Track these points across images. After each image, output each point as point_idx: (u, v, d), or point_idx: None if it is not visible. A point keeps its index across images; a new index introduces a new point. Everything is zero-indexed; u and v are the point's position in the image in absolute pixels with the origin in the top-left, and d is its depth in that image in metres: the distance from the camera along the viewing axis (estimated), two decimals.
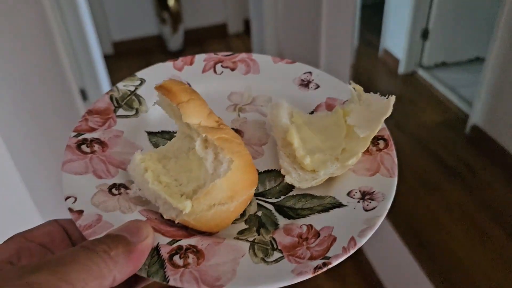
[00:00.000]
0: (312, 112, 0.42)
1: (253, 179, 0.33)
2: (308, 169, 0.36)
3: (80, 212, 0.32)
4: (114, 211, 0.33)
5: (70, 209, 0.33)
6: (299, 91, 0.45)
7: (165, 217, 0.33)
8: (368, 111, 0.37)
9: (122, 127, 0.41)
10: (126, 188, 0.35)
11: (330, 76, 0.45)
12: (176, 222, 0.32)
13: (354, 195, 0.35)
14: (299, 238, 0.32)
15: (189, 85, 0.45)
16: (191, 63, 0.47)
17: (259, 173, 0.38)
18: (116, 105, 0.42)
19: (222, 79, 0.46)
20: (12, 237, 0.31)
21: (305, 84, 0.45)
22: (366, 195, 0.35)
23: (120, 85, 0.44)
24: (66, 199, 0.33)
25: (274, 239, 0.32)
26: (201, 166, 0.33)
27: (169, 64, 0.46)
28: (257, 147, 0.40)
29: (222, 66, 0.47)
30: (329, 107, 0.42)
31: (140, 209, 0.34)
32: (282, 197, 0.36)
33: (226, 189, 0.30)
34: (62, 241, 0.32)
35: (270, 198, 0.36)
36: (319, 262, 0.30)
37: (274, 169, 0.38)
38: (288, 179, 0.36)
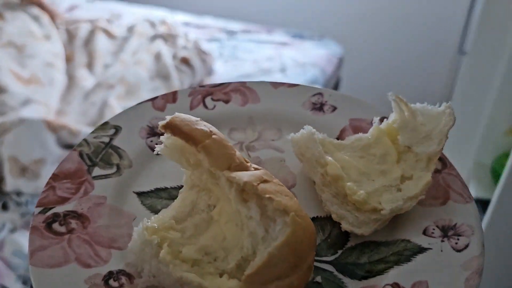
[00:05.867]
0: (337, 139, 0.35)
1: (314, 232, 0.24)
2: (366, 209, 0.28)
3: None
4: None
5: None
6: (314, 116, 0.37)
7: None
8: (419, 125, 0.30)
9: (103, 191, 0.31)
10: (129, 276, 0.25)
11: (345, 95, 0.38)
12: None
13: (432, 232, 0.27)
14: None
15: None
16: (173, 101, 0.38)
17: None
18: (89, 163, 0.32)
19: (216, 114, 0.37)
20: None
21: (318, 107, 0.38)
22: (448, 231, 0.27)
23: (90, 137, 0.34)
24: None
25: None
26: (239, 229, 0.24)
27: (147, 104, 0.37)
28: None
29: (212, 99, 0.38)
30: (357, 129, 0.35)
31: None
32: (339, 252, 0.28)
33: (288, 255, 0.21)
34: None
35: (325, 256, 0.27)
36: None
37: (317, 216, 0.30)
38: (345, 226, 0.28)
